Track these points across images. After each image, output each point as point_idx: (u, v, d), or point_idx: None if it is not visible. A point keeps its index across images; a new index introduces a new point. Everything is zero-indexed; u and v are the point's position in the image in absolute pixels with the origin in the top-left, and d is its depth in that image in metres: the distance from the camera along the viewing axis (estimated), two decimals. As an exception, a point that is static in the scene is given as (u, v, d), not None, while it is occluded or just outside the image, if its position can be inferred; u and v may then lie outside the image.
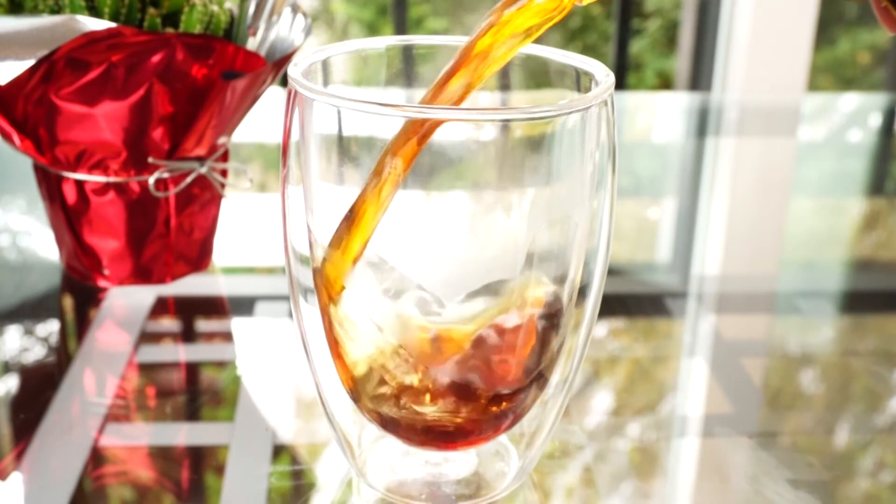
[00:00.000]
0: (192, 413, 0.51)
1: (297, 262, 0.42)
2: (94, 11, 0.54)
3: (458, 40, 0.43)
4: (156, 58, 0.53)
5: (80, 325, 0.59)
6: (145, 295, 0.61)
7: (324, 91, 0.36)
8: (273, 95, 0.92)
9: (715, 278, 0.68)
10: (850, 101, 1.23)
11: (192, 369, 0.55)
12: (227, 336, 0.59)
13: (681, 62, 1.66)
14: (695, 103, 1.10)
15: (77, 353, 0.55)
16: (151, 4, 0.56)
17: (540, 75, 0.42)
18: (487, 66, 0.38)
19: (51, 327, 0.59)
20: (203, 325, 0.60)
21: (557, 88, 0.42)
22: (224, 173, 0.63)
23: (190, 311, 0.61)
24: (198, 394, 0.53)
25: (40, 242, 0.69)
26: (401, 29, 1.51)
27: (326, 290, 0.39)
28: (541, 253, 0.38)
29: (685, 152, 0.94)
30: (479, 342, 0.38)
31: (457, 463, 0.44)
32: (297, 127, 0.39)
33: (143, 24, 0.55)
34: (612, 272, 0.67)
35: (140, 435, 0.49)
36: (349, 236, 0.37)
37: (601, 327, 0.60)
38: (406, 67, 0.44)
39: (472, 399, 0.39)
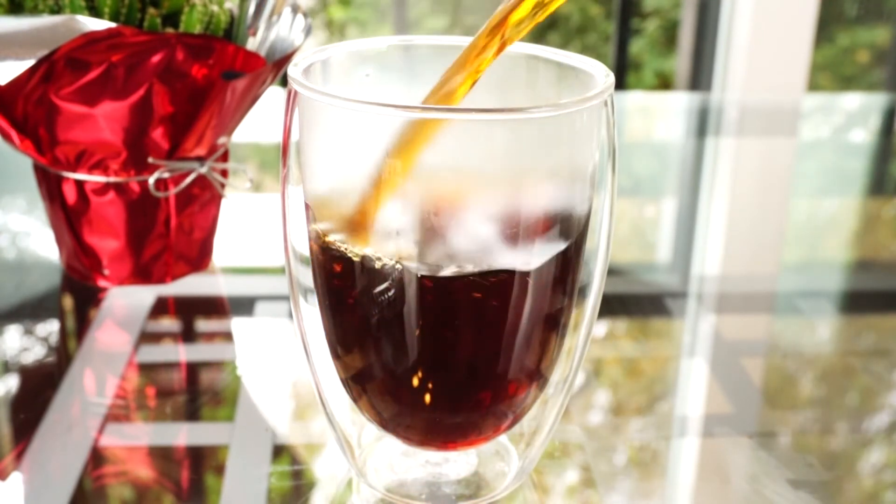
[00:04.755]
0: (192, 413, 0.51)
1: (297, 262, 0.42)
2: (94, 11, 0.54)
3: (459, 40, 0.43)
4: (156, 58, 0.53)
5: (80, 325, 0.59)
6: (145, 295, 0.61)
7: (324, 91, 0.36)
8: (273, 95, 0.92)
9: (715, 278, 0.68)
10: (851, 101, 1.23)
11: (192, 369, 0.55)
12: (227, 336, 0.59)
13: (681, 62, 1.66)
14: (695, 103, 1.10)
15: (77, 353, 0.55)
16: (151, 4, 0.56)
17: (540, 75, 0.42)
18: (489, 58, 0.38)
19: (51, 327, 0.59)
20: (203, 325, 0.60)
21: (557, 88, 0.42)
22: (224, 173, 0.63)
23: (190, 311, 0.61)
24: (198, 394, 0.53)
25: (40, 242, 0.69)
26: (400, 29, 1.51)
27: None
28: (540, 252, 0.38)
29: (685, 152, 0.94)
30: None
31: (457, 463, 0.44)
32: (297, 127, 0.39)
33: (143, 24, 0.55)
34: (612, 272, 0.67)
35: (140, 435, 0.49)
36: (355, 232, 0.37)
37: (601, 327, 0.60)
38: (406, 67, 0.44)
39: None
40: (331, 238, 0.39)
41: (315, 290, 0.42)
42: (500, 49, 0.38)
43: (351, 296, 0.39)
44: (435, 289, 0.37)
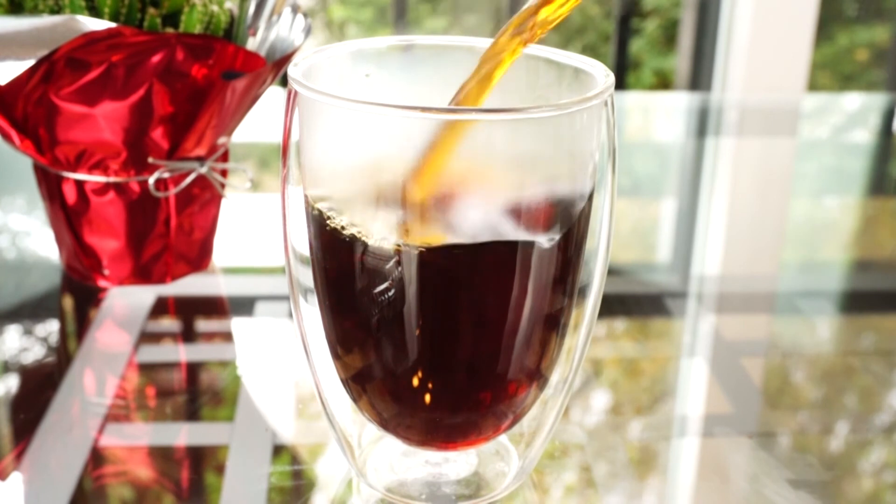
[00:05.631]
0: (192, 413, 0.51)
1: (297, 262, 0.42)
2: (94, 11, 0.54)
3: (460, 40, 0.43)
4: (156, 58, 0.53)
5: (80, 325, 0.59)
6: (145, 295, 0.61)
7: (324, 91, 0.36)
8: (273, 95, 0.92)
9: (715, 278, 0.68)
10: (851, 100, 1.23)
11: (192, 369, 0.55)
12: (227, 336, 0.59)
13: (681, 62, 1.65)
14: (695, 103, 1.10)
15: (77, 353, 0.55)
16: (151, 4, 0.56)
17: (540, 75, 0.42)
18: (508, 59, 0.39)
19: (51, 327, 0.59)
20: (203, 325, 0.60)
21: (557, 88, 0.42)
22: (224, 173, 0.63)
23: (190, 311, 0.61)
24: (198, 394, 0.53)
25: (40, 242, 0.69)
26: (400, 29, 1.51)
27: None
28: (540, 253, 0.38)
29: (685, 152, 0.94)
30: None
31: (457, 463, 0.44)
32: (297, 127, 0.39)
33: (143, 24, 0.55)
34: (612, 272, 0.67)
35: (140, 435, 0.49)
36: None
37: (601, 327, 0.60)
38: (406, 67, 0.44)
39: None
40: (332, 221, 0.38)
41: (315, 288, 0.42)
42: (528, 42, 0.38)
43: (352, 282, 0.39)
44: (434, 265, 0.37)
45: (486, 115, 0.35)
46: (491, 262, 0.37)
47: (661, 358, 0.58)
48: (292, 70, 0.39)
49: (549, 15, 0.38)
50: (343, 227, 0.38)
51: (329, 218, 0.38)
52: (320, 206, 0.39)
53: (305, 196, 0.40)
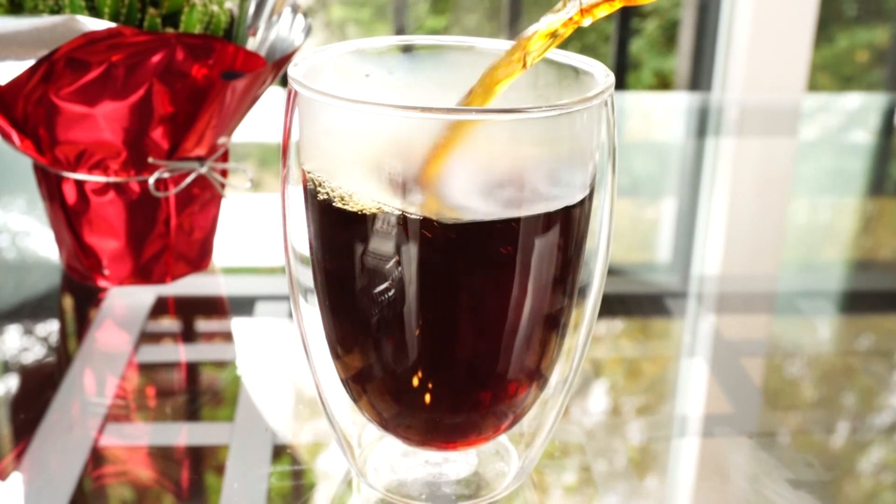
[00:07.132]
0: (192, 413, 0.51)
1: (297, 262, 0.42)
2: (94, 11, 0.54)
3: (459, 40, 0.43)
4: (156, 58, 0.53)
5: (80, 325, 0.59)
6: (145, 295, 0.61)
7: (324, 91, 0.36)
8: (273, 95, 0.92)
9: (715, 278, 0.68)
10: (851, 100, 1.23)
11: (192, 369, 0.55)
12: (227, 336, 0.59)
13: (680, 62, 1.65)
14: (695, 103, 1.10)
15: (77, 353, 0.55)
16: (151, 4, 0.56)
17: (540, 75, 0.42)
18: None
19: (51, 327, 0.59)
20: (203, 325, 0.60)
21: (557, 88, 0.42)
22: (224, 173, 0.63)
23: (190, 311, 0.61)
24: (198, 394, 0.53)
25: (40, 242, 0.69)
26: (400, 29, 1.51)
27: None
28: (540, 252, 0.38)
29: (685, 152, 0.94)
30: None
31: (457, 463, 0.44)
32: (297, 127, 0.39)
33: (143, 24, 0.55)
34: (612, 272, 0.67)
35: (140, 435, 0.49)
36: None
37: (601, 327, 0.60)
38: (406, 67, 0.44)
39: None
40: (322, 187, 0.38)
41: (315, 288, 0.42)
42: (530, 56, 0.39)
43: (351, 274, 0.38)
44: (431, 246, 0.37)
45: (487, 115, 0.35)
46: (489, 254, 0.37)
47: (661, 358, 0.58)
48: (292, 70, 0.39)
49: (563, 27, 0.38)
50: (334, 189, 0.37)
51: (321, 184, 0.38)
52: (315, 176, 0.38)
53: (303, 171, 0.39)
